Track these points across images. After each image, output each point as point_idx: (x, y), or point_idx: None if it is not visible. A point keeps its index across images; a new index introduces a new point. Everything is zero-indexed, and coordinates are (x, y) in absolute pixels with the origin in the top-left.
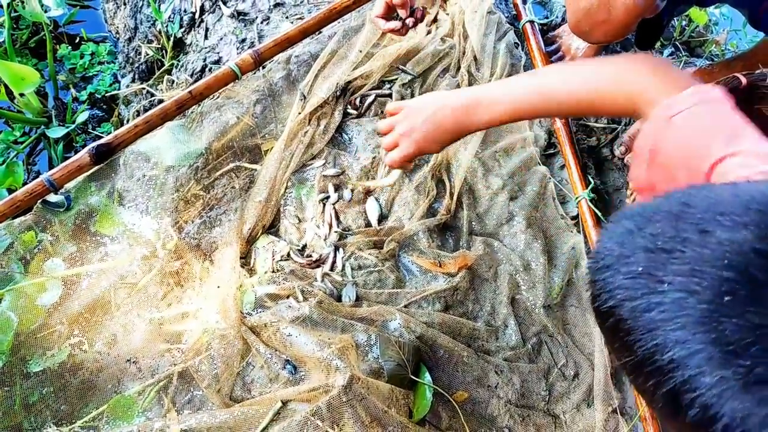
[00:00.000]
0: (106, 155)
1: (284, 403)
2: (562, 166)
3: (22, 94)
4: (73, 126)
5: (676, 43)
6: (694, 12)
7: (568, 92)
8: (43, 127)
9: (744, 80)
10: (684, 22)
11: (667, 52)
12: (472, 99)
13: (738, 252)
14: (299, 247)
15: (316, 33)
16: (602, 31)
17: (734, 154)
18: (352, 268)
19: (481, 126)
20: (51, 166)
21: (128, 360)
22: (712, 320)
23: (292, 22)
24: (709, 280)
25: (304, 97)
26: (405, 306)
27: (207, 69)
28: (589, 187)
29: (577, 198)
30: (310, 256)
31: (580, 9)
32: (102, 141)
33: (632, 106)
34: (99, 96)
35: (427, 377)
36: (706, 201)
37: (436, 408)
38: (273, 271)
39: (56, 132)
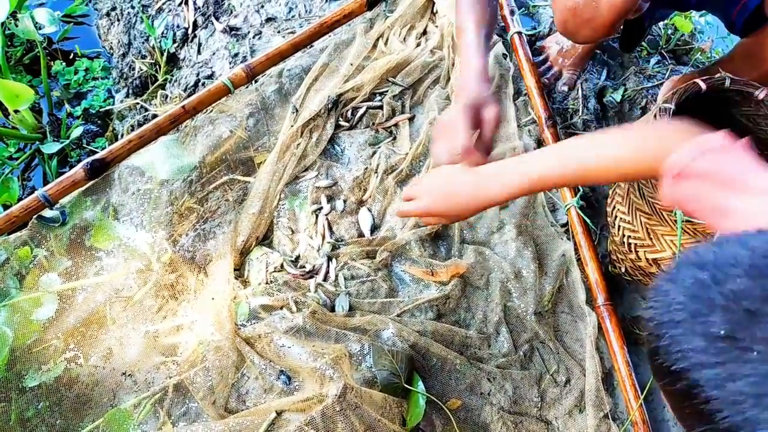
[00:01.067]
0: (100, 170)
1: (279, 414)
2: None
3: (16, 111)
4: (67, 141)
5: (662, 51)
6: (679, 20)
7: (597, 163)
8: (37, 142)
9: (704, 86)
10: (669, 31)
11: (653, 60)
12: (484, 173)
13: None
14: (292, 258)
15: (308, 47)
16: (589, 29)
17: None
18: (345, 278)
19: (498, 199)
20: (46, 182)
21: (123, 373)
22: None
23: (283, 37)
24: None
25: (296, 110)
26: (398, 315)
27: (200, 83)
28: (578, 195)
29: (566, 206)
30: (304, 267)
31: (566, 8)
32: (96, 156)
33: (654, 173)
34: (93, 111)
35: (420, 385)
36: None
37: (430, 416)
38: (267, 283)
39: (51, 147)
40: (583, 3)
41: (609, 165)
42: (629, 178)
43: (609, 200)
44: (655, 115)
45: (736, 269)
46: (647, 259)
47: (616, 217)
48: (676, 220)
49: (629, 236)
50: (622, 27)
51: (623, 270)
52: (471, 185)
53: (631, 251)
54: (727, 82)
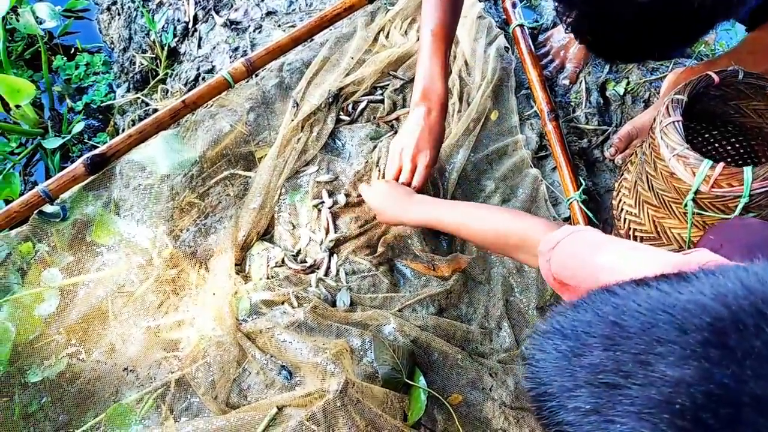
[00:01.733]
0: (100, 165)
1: (280, 409)
2: (554, 168)
3: (18, 106)
4: (69, 136)
5: None
6: None
7: (483, 232)
8: (39, 137)
9: (716, 78)
10: None
11: None
12: (414, 198)
13: (686, 395)
14: (293, 253)
15: (308, 41)
16: None
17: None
18: (347, 273)
19: (410, 222)
20: (48, 177)
21: (125, 368)
22: None
23: (284, 31)
24: (660, 426)
25: (297, 105)
26: (399, 310)
27: (200, 78)
28: (580, 189)
29: (568, 200)
30: (305, 261)
31: None
32: (96, 151)
33: (522, 242)
34: (94, 106)
35: (422, 381)
36: (638, 321)
37: (431, 411)
38: (268, 278)
39: (52, 142)
40: None
41: (493, 237)
42: (499, 247)
43: (615, 193)
44: (667, 107)
45: (592, 338)
46: None
47: (621, 209)
48: (685, 213)
49: (635, 229)
50: None
51: None
52: (402, 203)
53: None
54: (741, 75)
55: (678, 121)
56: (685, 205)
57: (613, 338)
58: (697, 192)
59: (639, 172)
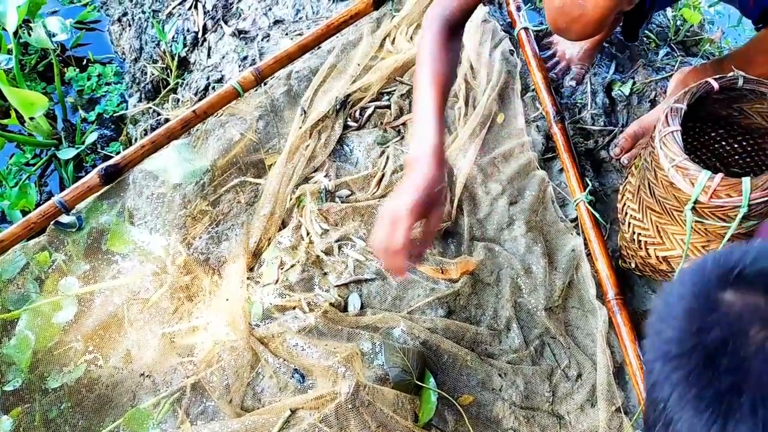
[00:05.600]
0: (114, 176)
1: (293, 411)
2: (561, 170)
3: (32, 118)
4: (82, 147)
5: (671, 43)
6: (687, 11)
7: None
8: (53, 148)
9: (716, 85)
10: (678, 22)
11: (662, 52)
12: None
13: None
14: (305, 259)
15: (315, 48)
16: (579, 26)
17: None
18: (357, 276)
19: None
20: (63, 187)
21: (142, 374)
22: None
23: (291, 39)
24: None
25: (305, 112)
26: (408, 313)
27: (210, 87)
28: (587, 190)
29: (575, 201)
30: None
31: (554, 7)
32: (110, 162)
33: None
34: (107, 116)
35: (432, 382)
36: None
37: (442, 412)
38: (279, 283)
39: (66, 153)
40: (570, 1)
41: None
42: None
43: (619, 196)
44: (666, 116)
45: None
46: (657, 257)
47: (626, 213)
48: (686, 221)
49: (639, 233)
50: (622, 20)
51: (633, 265)
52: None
53: (641, 248)
54: (740, 82)
55: (677, 131)
56: (684, 213)
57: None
58: (696, 201)
59: (642, 177)
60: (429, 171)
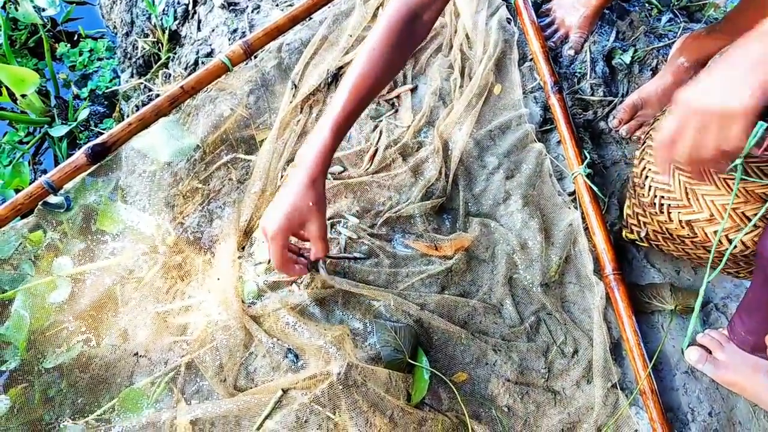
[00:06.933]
0: (102, 155)
1: (285, 391)
2: (559, 142)
3: (24, 95)
4: (74, 124)
5: (674, 9)
6: None
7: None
8: (46, 126)
9: None
10: None
11: (664, 18)
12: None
13: None
14: None
15: (306, 19)
16: None
17: None
18: (348, 253)
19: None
20: (57, 164)
21: (136, 354)
22: None
23: (282, 10)
24: None
25: (295, 86)
26: (401, 290)
27: (200, 62)
28: (585, 163)
29: (573, 174)
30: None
31: None
32: (97, 141)
33: None
34: (99, 92)
35: (425, 360)
36: None
37: (436, 390)
38: (271, 262)
39: (59, 131)
40: None
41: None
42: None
43: (637, 161)
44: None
45: None
46: (680, 221)
47: (646, 177)
48: (725, 179)
49: (662, 197)
50: None
51: (643, 234)
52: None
53: (661, 212)
54: None
55: None
56: (730, 170)
57: None
58: (746, 156)
59: None
60: (301, 188)
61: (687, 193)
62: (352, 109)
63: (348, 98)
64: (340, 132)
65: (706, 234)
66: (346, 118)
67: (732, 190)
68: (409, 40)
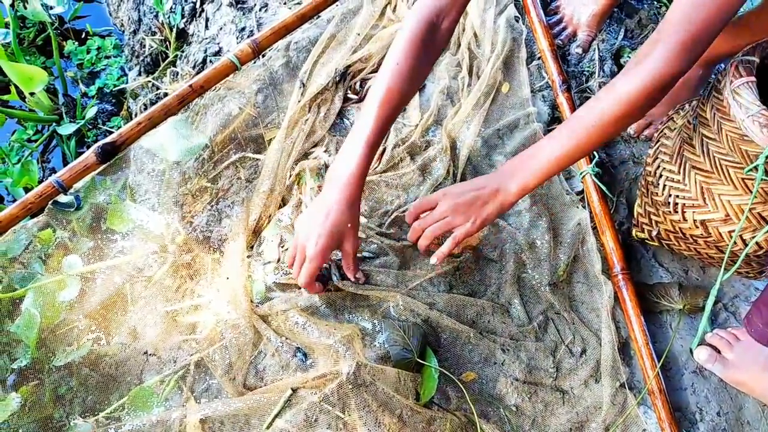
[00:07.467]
0: (111, 154)
1: (294, 390)
2: None
3: (32, 93)
4: (83, 122)
5: None
6: None
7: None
8: (54, 124)
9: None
10: None
11: None
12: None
13: None
14: None
15: (314, 18)
16: None
17: None
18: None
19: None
20: (65, 163)
21: (145, 352)
22: None
23: (290, 8)
24: None
25: (303, 85)
26: (410, 289)
27: (208, 60)
28: (593, 162)
29: (581, 173)
30: None
31: None
32: (107, 140)
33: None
34: (107, 90)
35: (434, 359)
36: None
37: (445, 389)
38: (281, 261)
39: (67, 129)
40: None
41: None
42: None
43: (650, 160)
44: (735, 67)
45: None
46: (694, 221)
47: (660, 176)
48: (743, 179)
49: (677, 196)
50: None
51: (654, 234)
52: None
53: (675, 212)
54: None
55: (751, 82)
56: (749, 171)
57: None
58: None
59: (686, 136)
60: (341, 209)
61: (703, 193)
62: (382, 126)
63: (377, 114)
64: (374, 150)
65: (720, 234)
66: (377, 135)
67: (751, 191)
68: (431, 50)
